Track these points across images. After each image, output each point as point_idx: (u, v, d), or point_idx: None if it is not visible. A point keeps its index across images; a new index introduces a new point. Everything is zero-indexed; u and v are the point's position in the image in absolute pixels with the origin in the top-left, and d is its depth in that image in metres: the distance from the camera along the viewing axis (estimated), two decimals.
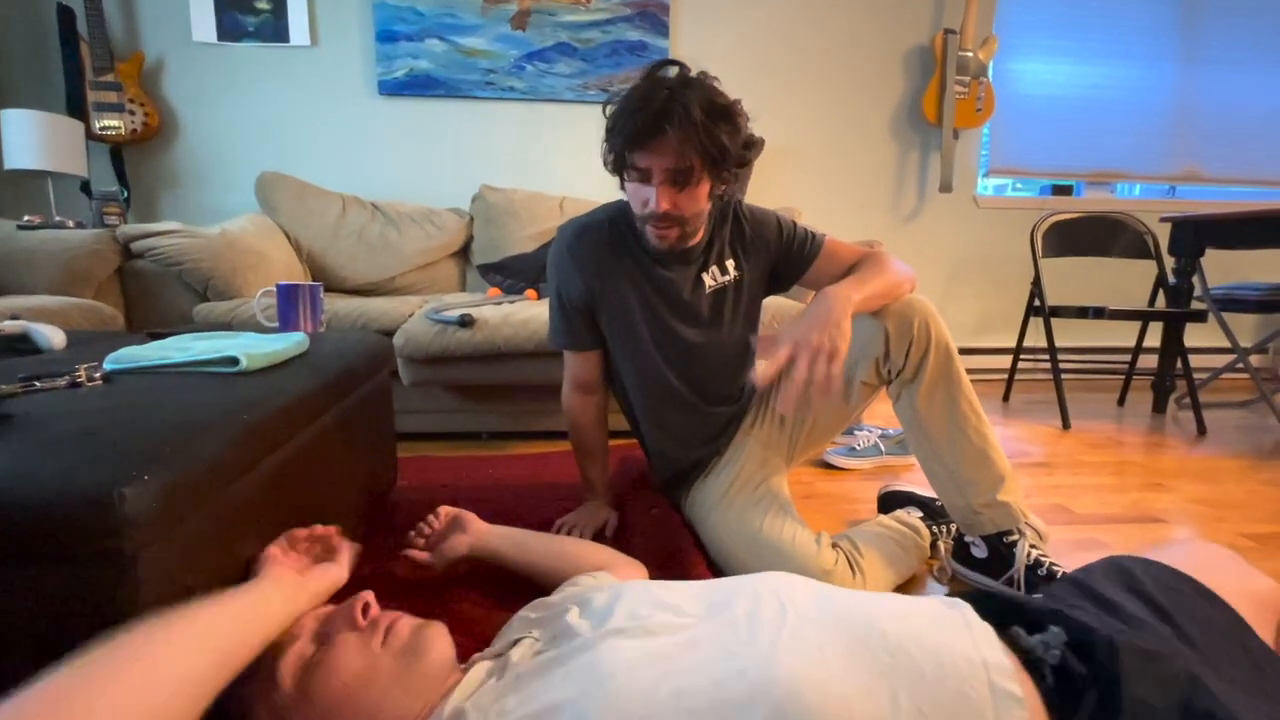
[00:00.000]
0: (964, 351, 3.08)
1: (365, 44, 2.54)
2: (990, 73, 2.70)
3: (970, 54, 2.65)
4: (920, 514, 1.20)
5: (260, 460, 0.68)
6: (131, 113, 2.43)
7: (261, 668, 0.53)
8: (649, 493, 1.34)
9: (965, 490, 1.01)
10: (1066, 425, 2.10)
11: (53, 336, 0.95)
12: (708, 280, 1.08)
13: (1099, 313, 2.05)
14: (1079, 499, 1.47)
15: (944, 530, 1.17)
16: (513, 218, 2.32)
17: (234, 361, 0.76)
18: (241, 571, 0.64)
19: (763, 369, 0.88)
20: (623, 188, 1.00)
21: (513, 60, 2.58)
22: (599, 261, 1.06)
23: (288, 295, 1.15)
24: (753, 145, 0.97)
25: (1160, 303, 2.35)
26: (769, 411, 1.17)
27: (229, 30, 2.50)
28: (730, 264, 1.09)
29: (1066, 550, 1.19)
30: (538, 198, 2.39)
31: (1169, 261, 2.29)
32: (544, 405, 1.83)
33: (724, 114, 0.90)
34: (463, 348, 1.62)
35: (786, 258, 1.11)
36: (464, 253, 2.42)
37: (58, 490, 0.47)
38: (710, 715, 0.45)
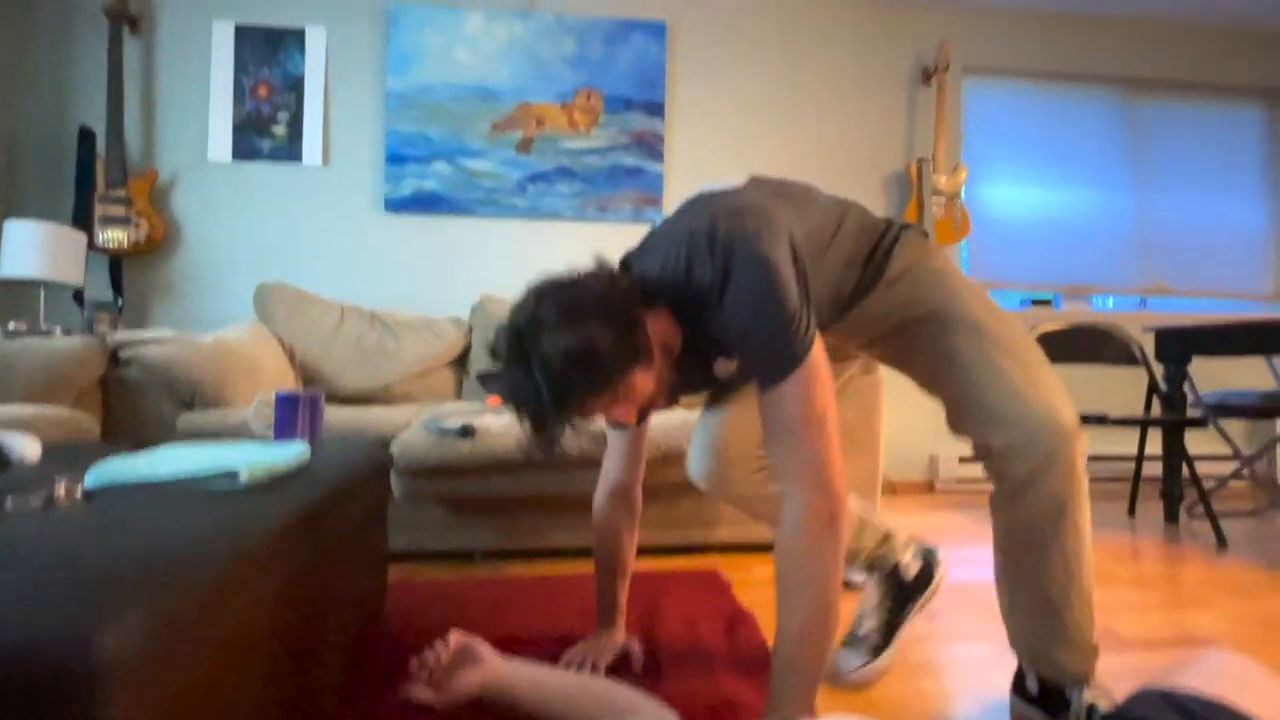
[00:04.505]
0: (961, 461, 3.05)
1: (375, 165, 2.66)
2: (963, 197, 2.89)
3: (943, 180, 2.85)
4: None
5: (257, 587, 0.60)
6: (137, 225, 2.46)
7: None
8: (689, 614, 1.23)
9: (1024, 635, 0.92)
10: None
11: (26, 448, 0.87)
12: (719, 370, 1.01)
13: (1101, 420, 2.05)
14: (1121, 619, 1.37)
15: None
16: None
17: (234, 476, 0.69)
18: (229, 707, 0.53)
19: None
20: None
21: (516, 181, 2.72)
22: None
23: (287, 405, 1.09)
24: (619, 321, 0.75)
25: (1155, 409, 2.37)
26: None
27: (244, 151, 2.61)
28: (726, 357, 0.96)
29: (1124, 679, 1.09)
30: None
31: (1158, 369, 2.33)
32: (544, 520, 1.73)
33: (583, 356, 0.71)
34: (463, 459, 1.55)
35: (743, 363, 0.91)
36: (461, 361, 2.39)
37: (19, 633, 0.39)
38: None
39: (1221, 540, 2.00)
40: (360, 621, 1.09)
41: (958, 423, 0.91)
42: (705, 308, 0.79)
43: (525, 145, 2.72)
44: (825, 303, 0.93)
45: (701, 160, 2.85)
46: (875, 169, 2.96)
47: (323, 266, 2.62)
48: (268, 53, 2.64)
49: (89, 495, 0.64)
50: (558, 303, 0.74)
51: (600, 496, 1.09)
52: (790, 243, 0.79)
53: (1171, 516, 2.30)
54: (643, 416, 0.89)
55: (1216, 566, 1.78)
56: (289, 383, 2.07)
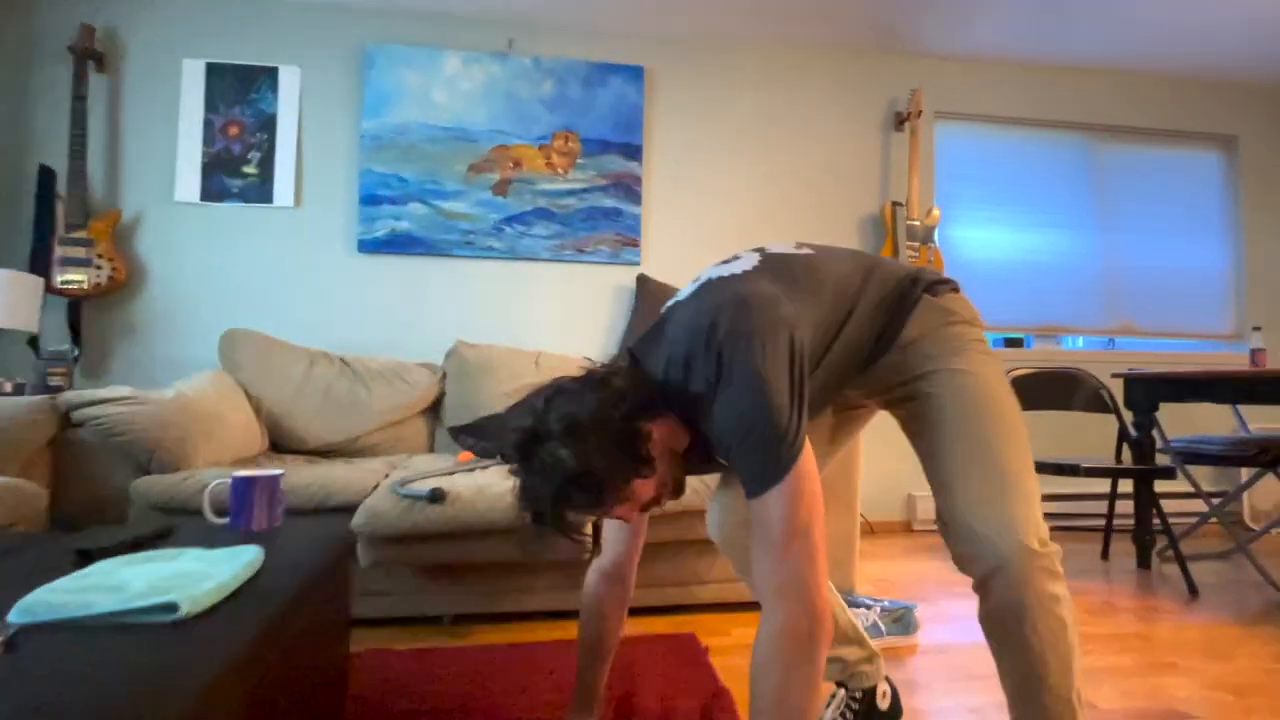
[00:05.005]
0: None
1: (349, 206, 2.63)
2: (936, 238, 2.94)
3: (917, 223, 2.90)
4: None
5: None
6: (98, 267, 2.39)
7: None
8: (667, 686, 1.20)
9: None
10: None
11: None
12: (720, 458, 1.01)
13: (1074, 470, 2.07)
14: (1098, 688, 1.37)
15: None
16: (488, 374, 2.28)
17: (172, 608, 0.65)
18: None
19: None
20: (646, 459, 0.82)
21: (492, 222, 2.69)
22: None
23: (243, 489, 1.05)
24: (614, 430, 0.77)
25: (1125, 455, 2.40)
26: None
27: (213, 192, 2.55)
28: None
29: None
30: (513, 353, 2.38)
31: (1127, 415, 2.37)
32: (515, 583, 1.68)
33: (581, 475, 0.74)
34: (433, 524, 1.50)
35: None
36: (434, 410, 2.34)
37: None
38: None
39: (1193, 590, 2.02)
40: (321, 709, 1.03)
41: (938, 513, 0.91)
42: (701, 410, 0.81)
43: (502, 187, 2.71)
44: (836, 377, 0.93)
45: (680, 202, 2.86)
46: (850, 211, 3.00)
47: (294, 309, 2.56)
48: (240, 92, 2.60)
49: (11, 644, 0.59)
50: (562, 416, 0.76)
51: (593, 574, 1.04)
52: (791, 343, 0.77)
53: (1144, 562, 2.32)
54: (650, 507, 0.87)
55: (1189, 621, 1.79)
56: (254, 438, 2.00)
